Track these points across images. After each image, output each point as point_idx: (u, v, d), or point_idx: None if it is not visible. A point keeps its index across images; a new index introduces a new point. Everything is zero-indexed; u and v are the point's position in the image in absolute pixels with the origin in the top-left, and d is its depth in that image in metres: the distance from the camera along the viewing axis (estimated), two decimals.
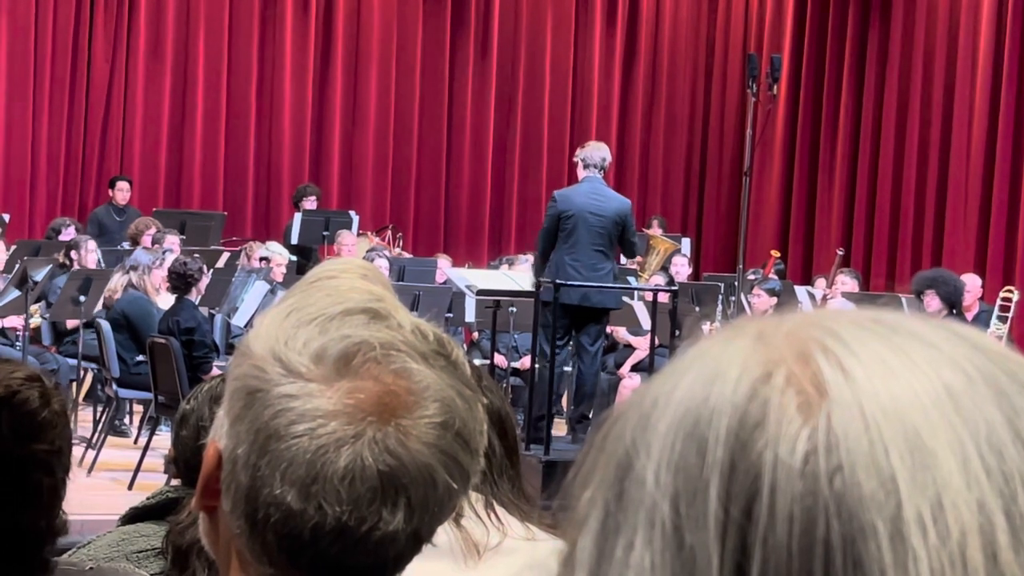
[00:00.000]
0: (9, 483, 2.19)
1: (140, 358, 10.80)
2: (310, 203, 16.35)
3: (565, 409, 12.23)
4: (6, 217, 15.15)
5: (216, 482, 1.29)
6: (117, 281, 11.70)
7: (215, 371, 9.99)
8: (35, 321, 11.91)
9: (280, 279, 13.34)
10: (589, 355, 10.91)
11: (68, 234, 14.06)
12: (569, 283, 10.52)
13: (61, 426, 2.22)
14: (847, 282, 13.94)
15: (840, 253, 15.96)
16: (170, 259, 11.74)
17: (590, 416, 10.98)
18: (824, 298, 13.60)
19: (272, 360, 1.26)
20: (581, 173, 10.94)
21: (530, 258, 12.92)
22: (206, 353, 10.39)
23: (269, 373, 1.26)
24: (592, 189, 10.75)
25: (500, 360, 12.53)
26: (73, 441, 2.40)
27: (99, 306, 11.53)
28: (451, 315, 12.53)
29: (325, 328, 1.27)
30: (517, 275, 12.29)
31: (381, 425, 1.24)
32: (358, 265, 1.38)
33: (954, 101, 17.92)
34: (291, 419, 1.24)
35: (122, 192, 16.14)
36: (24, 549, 2.22)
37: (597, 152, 10.96)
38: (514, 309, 11.82)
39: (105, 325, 11.08)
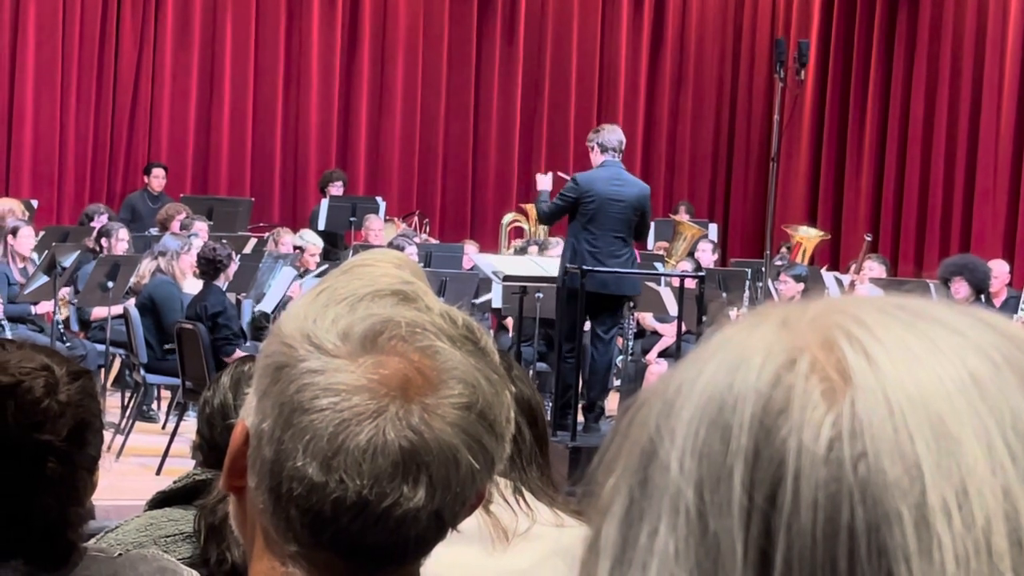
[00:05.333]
0: (17, 471, 2.20)
1: (169, 346, 10.82)
2: (337, 189, 16.36)
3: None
4: (35, 203, 15.20)
5: (243, 459, 1.30)
6: (146, 267, 11.75)
7: (238, 354, 10.01)
8: (64, 312, 11.92)
9: (312, 267, 13.36)
10: (604, 343, 10.87)
11: (101, 221, 14.09)
12: (597, 269, 10.49)
13: (71, 416, 2.21)
14: (875, 268, 13.90)
15: (868, 239, 15.91)
16: (197, 244, 11.77)
17: (602, 404, 10.95)
18: (852, 284, 13.57)
19: (301, 337, 1.27)
20: (597, 158, 10.82)
21: (560, 241, 12.89)
22: (228, 336, 10.39)
23: (297, 350, 1.26)
24: (613, 175, 10.68)
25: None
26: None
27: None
28: (477, 301, 12.53)
29: (354, 307, 1.28)
30: (543, 261, 12.28)
31: (405, 402, 1.24)
32: (393, 256, 1.39)
33: (983, 85, 17.85)
34: (315, 393, 1.24)
35: (158, 179, 16.18)
36: (40, 535, 2.23)
37: (613, 135, 10.86)
38: (540, 295, 11.81)
39: (133, 311, 11.11)
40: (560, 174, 11.78)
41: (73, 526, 2.26)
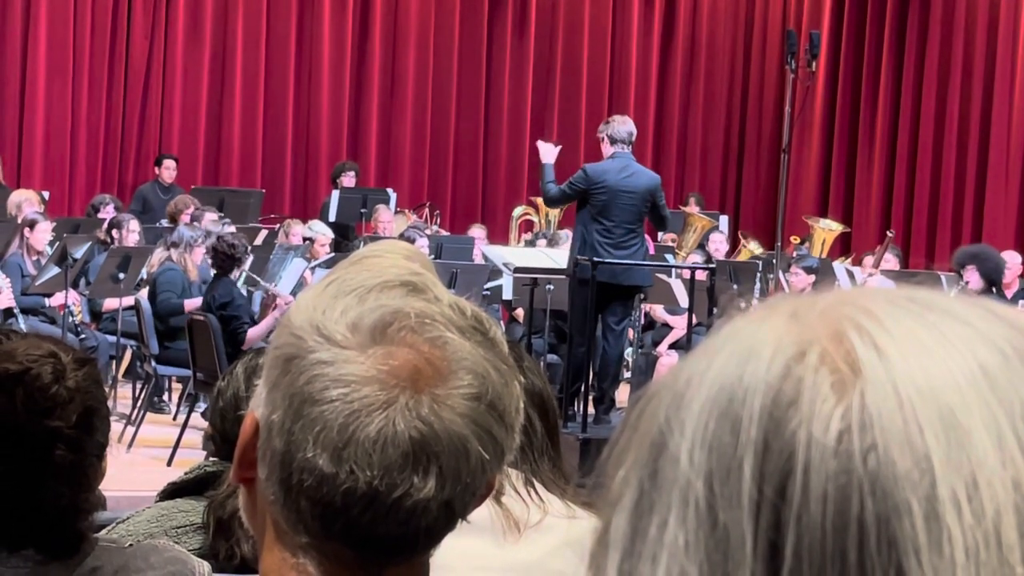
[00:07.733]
0: (27, 458, 2.20)
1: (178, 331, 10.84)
2: (348, 180, 16.38)
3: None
4: (46, 194, 15.21)
5: (253, 451, 1.30)
6: (157, 257, 11.75)
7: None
8: (79, 312, 11.91)
9: (321, 257, 13.35)
10: (615, 334, 10.85)
11: (107, 211, 14.09)
12: (608, 261, 10.48)
13: (79, 402, 2.22)
14: (888, 259, 13.89)
15: (890, 235, 15.86)
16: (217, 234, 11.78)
17: (613, 396, 10.94)
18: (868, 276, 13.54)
19: (310, 329, 1.27)
20: (607, 149, 10.83)
21: (569, 234, 12.87)
22: (241, 323, 10.39)
23: (306, 341, 1.26)
24: (622, 165, 10.68)
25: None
26: (112, 418, 2.41)
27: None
28: (488, 292, 12.53)
29: (363, 298, 1.28)
30: (554, 252, 12.28)
31: (414, 393, 1.24)
32: (402, 247, 1.39)
33: (995, 74, 17.82)
34: (325, 384, 1.24)
35: (168, 170, 16.18)
36: (51, 523, 2.23)
37: (623, 127, 10.86)
38: (551, 287, 11.81)
39: (144, 302, 11.12)
40: (545, 145, 11.55)
41: (84, 513, 2.26)
